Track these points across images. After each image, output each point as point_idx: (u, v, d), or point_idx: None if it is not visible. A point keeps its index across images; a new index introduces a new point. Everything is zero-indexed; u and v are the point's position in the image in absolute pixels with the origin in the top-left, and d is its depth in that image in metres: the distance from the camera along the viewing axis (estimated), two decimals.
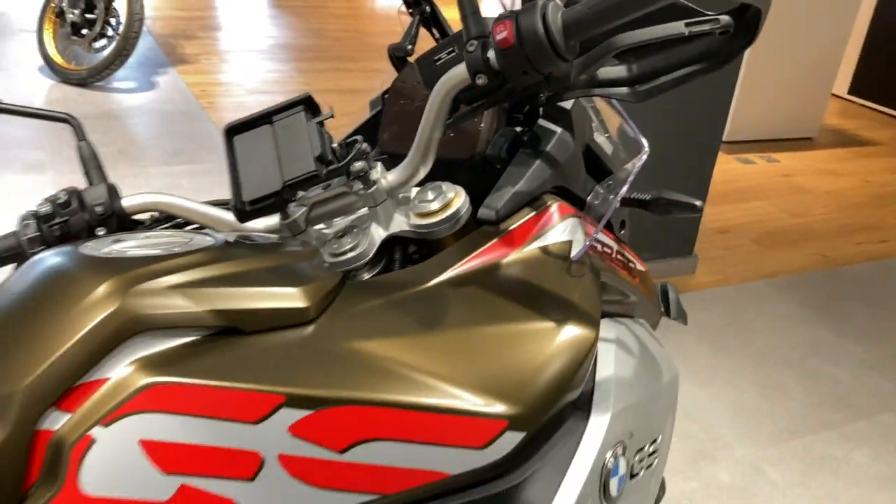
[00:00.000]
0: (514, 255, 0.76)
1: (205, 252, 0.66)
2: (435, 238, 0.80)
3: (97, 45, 4.51)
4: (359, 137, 0.79)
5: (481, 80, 0.71)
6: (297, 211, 0.80)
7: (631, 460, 0.78)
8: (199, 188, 3.43)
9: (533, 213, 0.80)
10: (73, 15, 4.43)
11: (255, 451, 0.59)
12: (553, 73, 0.70)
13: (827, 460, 2.24)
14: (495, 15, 0.71)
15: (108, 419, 0.56)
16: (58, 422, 0.56)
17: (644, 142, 0.82)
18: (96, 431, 0.56)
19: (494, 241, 0.77)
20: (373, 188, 0.78)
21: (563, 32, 0.67)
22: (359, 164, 0.77)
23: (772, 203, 4.05)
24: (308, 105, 0.79)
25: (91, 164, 0.86)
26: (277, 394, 0.59)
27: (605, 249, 0.89)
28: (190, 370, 0.59)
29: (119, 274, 0.61)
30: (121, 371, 0.58)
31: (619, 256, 0.91)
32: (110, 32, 4.46)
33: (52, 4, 4.57)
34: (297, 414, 0.59)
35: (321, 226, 0.85)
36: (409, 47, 1.01)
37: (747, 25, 0.74)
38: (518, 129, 0.90)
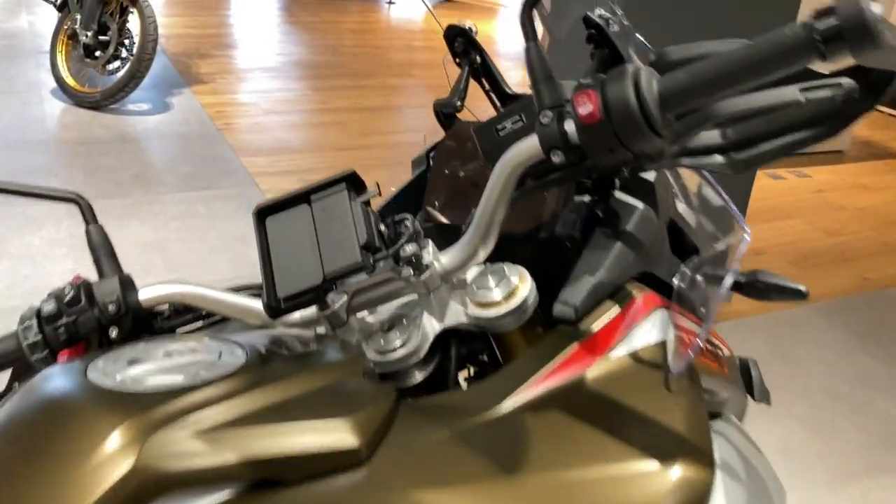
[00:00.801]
0: (600, 367, 0.64)
1: (234, 378, 0.55)
2: (498, 332, 0.69)
3: (111, 67, 4.42)
4: (408, 217, 0.68)
5: (557, 158, 0.60)
6: (338, 300, 0.70)
7: None
8: (217, 214, 3.33)
9: (617, 309, 0.68)
10: (86, 37, 4.35)
11: None
12: (645, 150, 0.58)
13: None
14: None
15: None
16: None
17: (743, 222, 0.70)
18: None
19: (575, 346, 0.65)
20: (425, 274, 0.67)
21: (659, 104, 0.56)
22: (410, 249, 0.66)
23: (806, 221, 3.91)
24: (351, 182, 0.68)
25: (102, 252, 0.75)
26: None
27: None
28: None
29: (134, 416, 0.50)
30: None
31: (708, 346, 0.79)
32: (124, 54, 4.37)
33: (65, 27, 4.49)
34: None
35: (364, 313, 0.74)
36: (458, 103, 0.89)
37: (871, 87, 0.63)
38: (587, 198, 0.78)
